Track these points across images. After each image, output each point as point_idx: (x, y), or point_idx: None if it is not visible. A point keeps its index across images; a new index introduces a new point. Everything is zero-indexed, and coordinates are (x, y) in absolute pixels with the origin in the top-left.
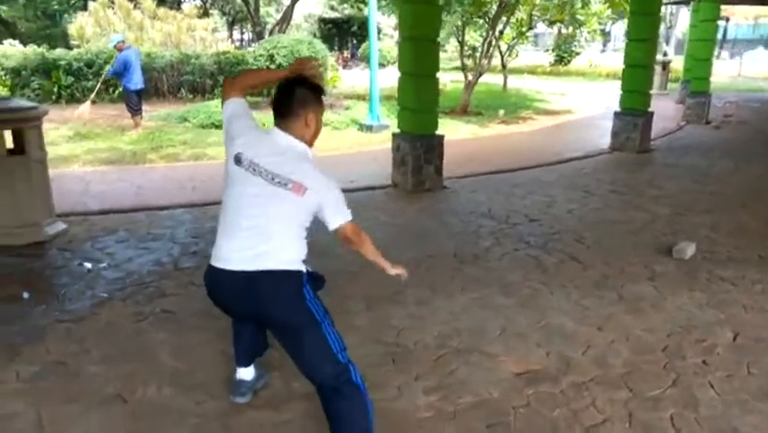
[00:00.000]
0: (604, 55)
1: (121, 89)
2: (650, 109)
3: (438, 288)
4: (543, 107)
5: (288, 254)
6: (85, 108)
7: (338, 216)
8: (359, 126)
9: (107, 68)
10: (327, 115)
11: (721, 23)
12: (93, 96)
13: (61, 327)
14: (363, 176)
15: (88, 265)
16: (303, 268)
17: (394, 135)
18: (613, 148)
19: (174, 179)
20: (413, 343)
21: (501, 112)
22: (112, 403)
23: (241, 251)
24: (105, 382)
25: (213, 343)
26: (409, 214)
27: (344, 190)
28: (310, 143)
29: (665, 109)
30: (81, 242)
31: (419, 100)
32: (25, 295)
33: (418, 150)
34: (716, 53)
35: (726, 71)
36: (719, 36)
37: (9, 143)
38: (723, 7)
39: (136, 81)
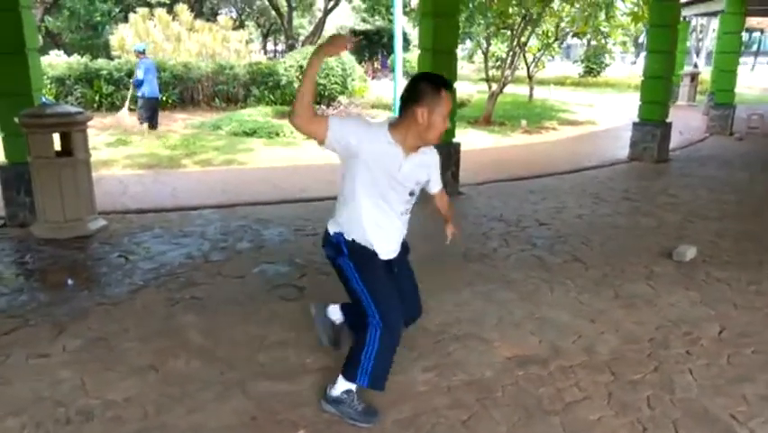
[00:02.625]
0: (636, 66)
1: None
2: (669, 120)
3: (444, 282)
4: (567, 118)
5: (335, 216)
6: (124, 115)
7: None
8: None
9: (138, 73)
10: None
11: (756, 34)
12: (128, 103)
13: (101, 309)
14: None
15: (126, 257)
16: (338, 229)
17: None
18: (631, 158)
19: (206, 182)
20: (415, 329)
21: (524, 122)
22: (146, 372)
23: None
24: (140, 355)
25: (237, 325)
26: (422, 216)
27: None
28: (427, 139)
29: (691, 120)
30: (120, 237)
31: None
32: (69, 281)
33: None
34: (751, 65)
35: (760, 83)
36: (755, 48)
37: (57, 146)
38: (758, 19)
39: (152, 90)
